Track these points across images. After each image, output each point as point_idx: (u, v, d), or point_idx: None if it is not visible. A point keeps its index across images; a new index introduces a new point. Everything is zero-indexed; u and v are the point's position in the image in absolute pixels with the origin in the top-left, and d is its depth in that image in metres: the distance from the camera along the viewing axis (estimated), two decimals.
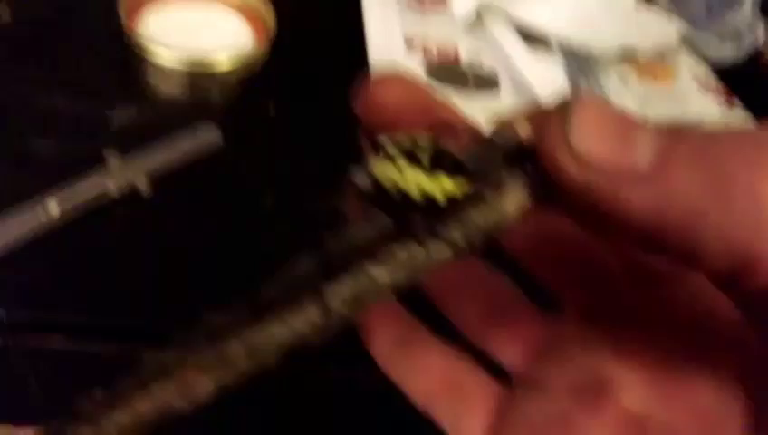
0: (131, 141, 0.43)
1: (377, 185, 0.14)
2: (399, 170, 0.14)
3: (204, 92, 0.50)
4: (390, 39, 0.58)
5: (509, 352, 0.23)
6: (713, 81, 0.63)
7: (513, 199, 0.14)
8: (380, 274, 0.14)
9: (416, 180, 0.14)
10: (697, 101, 0.60)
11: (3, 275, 0.35)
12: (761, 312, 0.14)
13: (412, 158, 0.14)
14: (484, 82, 0.57)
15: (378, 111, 0.20)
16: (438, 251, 0.14)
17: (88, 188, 0.39)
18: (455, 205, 0.14)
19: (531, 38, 0.60)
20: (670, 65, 0.63)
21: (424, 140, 0.14)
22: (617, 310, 0.21)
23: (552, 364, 0.22)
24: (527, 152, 0.14)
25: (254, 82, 0.52)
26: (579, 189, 0.14)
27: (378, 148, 0.14)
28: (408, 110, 0.19)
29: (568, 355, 0.22)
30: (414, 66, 0.57)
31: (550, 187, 0.14)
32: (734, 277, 0.14)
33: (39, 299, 0.35)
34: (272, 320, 0.15)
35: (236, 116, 0.49)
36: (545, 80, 0.57)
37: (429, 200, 0.14)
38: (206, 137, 0.45)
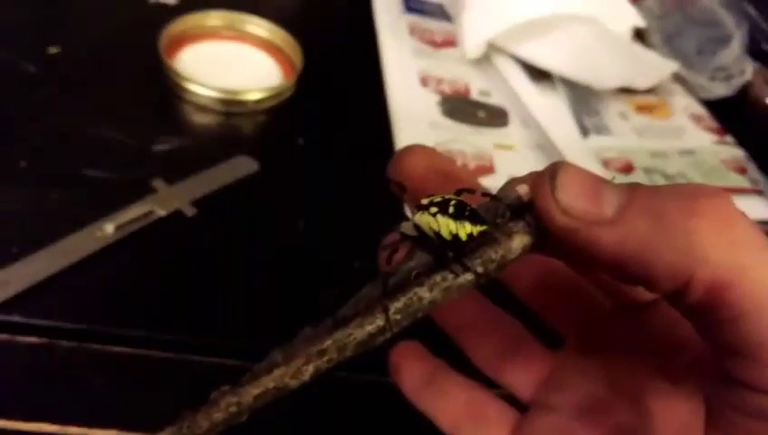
0: (174, 171, 0.47)
1: (419, 231, 0.20)
2: (435, 218, 0.19)
3: (237, 125, 0.54)
4: (406, 75, 0.62)
5: (522, 383, 0.28)
6: (706, 117, 0.67)
7: (517, 241, 0.20)
8: (425, 293, 0.20)
9: (446, 224, 0.19)
10: (692, 135, 0.64)
11: (68, 287, 0.38)
12: (698, 320, 0.18)
13: (444, 210, 0.19)
14: (494, 117, 0.61)
15: (407, 178, 0.25)
16: (465, 277, 0.20)
17: (139, 212, 0.43)
18: (474, 242, 0.19)
19: (536, 74, 0.65)
20: (666, 101, 0.67)
21: (451, 198, 0.20)
22: (606, 339, 0.25)
23: (558, 390, 0.27)
24: (527, 206, 0.20)
25: (283, 114, 0.56)
26: (564, 233, 0.18)
27: (420, 206, 0.20)
28: (431, 177, 0.25)
29: (570, 382, 0.27)
30: (428, 100, 0.61)
31: (543, 231, 0.19)
32: (678, 295, 0.18)
33: (99, 310, 0.38)
34: (353, 325, 0.20)
35: (268, 147, 0.52)
36: (550, 114, 0.61)
37: (455, 237, 0.19)
38: (243, 166, 0.49)
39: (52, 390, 0.34)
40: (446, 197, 0.20)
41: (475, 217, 0.19)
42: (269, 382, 0.19)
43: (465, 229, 0.19)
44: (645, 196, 0.18)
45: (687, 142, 0.63)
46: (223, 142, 0.52)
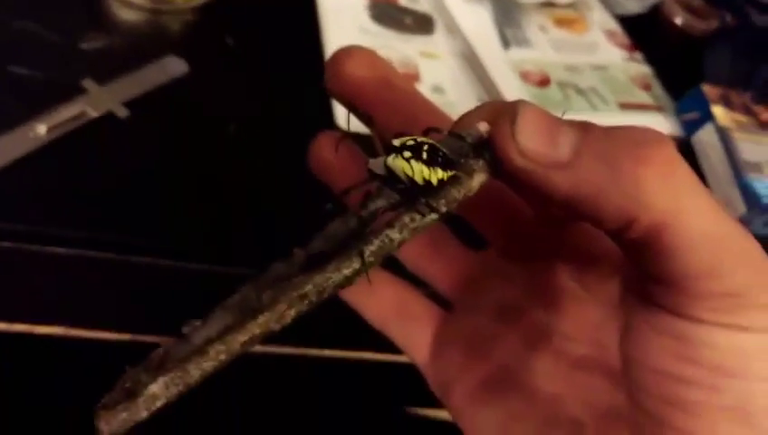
0: (103, 70, 0.47)
1: (391, 173, 0.21)
2: (409, 164, 0.20)
3: (165, 23, 0.54)
4: None
5: (445, 281, 0.30)
6: (620, 33, 0.70)
7: (477, 179, 0.21)
8: (395, 235, 0.20)
9: (420, 170, 0.20)
10: (605, 50, 0.68)
11: (3, 189, 0.39)
12: (636, 253, 0.20)
13: (417, 155, 0.20)
14: (421, 24, 0.63)
15: (347, 83, 0.25)
16: (431, 217, 0.20)
17: (71, 113, 0.43)
18: (443, 185, 0.20)
19: None
20: (583, 16, 0.70)
21: (424, 141, 0.21)
22: (527, 244, 0.27)
23: (478, 291, 0.29)
24: (486, 144, 0.21)
25: (211, 13, 0.55)
26: (520, 173, 0.20)
27: (392, 148, 0.21)
28: (372, 83, 0.25)
29: (490, 283, 0.28)
30: (357, 3, 0.61)
31: (500, 168, 0.20)
32: (619, 232, 0.19)
33: (38, 211, 0.39)
34: (330, 268, 0.20)
35: (198, 46, 0.53)
36: (474, 23, 0.63)
37: (427, 183, 0.20)
38: (173, 66, 0.50)
39: None
40: (418, 140, 0.21)
41: (447, 163, 0.20)
42: (255, 329, 0.20)
43: (437, 175, 0.20)
44: (597, 139, 0.19)
45: (600, 58, 0.67)
46: (151, 41, 0.52)
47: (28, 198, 0.39)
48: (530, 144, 0.19)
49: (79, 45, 0.48)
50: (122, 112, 0.45)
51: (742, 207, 0.57)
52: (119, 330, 0.39)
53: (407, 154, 0.20)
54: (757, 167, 0.59)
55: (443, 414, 0.29)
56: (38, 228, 0.38)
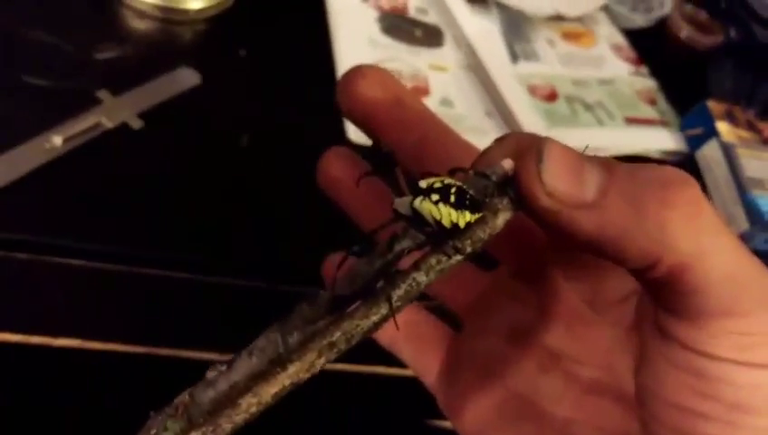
0: (117, 81, 0.47)
1: (417, 214, 0.21)
2: (437, 207, 0.20)
3: (178, 34, 0.54)
4: None
5: (456, 302, 0.30)
6: (626, 47, 0.71)
7: (502, 217, 0.21)
8: (422, 278, 0.20)
9: (448, 213, 0.20)
10: (612, 64, 0.68)
11: (20, 200, 0.39)
12: (656, 290, 0.21)
13: (445, 198, 0.20)
14: (430, 36, 0.63)
15: (359, 103, 0.25)
16: (457, 258, 0.20)
17: (86, 124, 0.44)
18: (469, 227, 0.20)
19: None
20: (591, 30, 0.71)
21: (451, 183, 0.20)
22: (538, 265, 0.27)
23: (490, 312, 0.28)
24: (510, 181, 0.21)
25: (224, 24, 0.56)
26: (546, 212, 0.20)
27: (420, 191, 0.20)
28: (384, 104, 0.25)
29: (501, 304, 0.28)
30: (367, 16, 0.62)
31: (524, 205, 0.20)
32: (644, 271, 0.20)
33: (55, 223, 0.39)
34: (358, 315, 0.20)
35: (211, 58, 0.53)
36: (483, 37, 0.64)
37: (455, 226, 0.20)
38: (186, 78, 0.50)
39: (12, 301, 0.36)
40: (445, 182, 0.20)
41: (473, 206, 0.20)
42: (285, 380, 0.20)
43: (465, 218, 0.20)
44: (622, 179, 0.19)
45: (607, 72, 0.67)
46: (164, 52, 0.52)
47: (44, 210, 0.39)
48: (557, 184, 0.19)
49: (93, 56, 0.48)
50: (137, 124, 0.45)
51: (744, 223, 0.57)
52: (134, 342, 0.39)
53: (434, 197, 0.20)
54: (760, 183, 0.60)
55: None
56: (54, 240, 0.38)
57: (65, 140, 0.42)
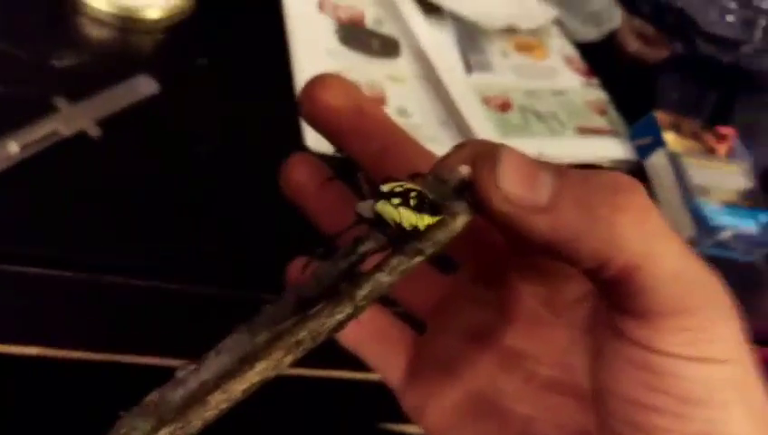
0: (74, 89, 0.47)
1: (379, 217, 0.22)
2: (398, 211, 0.21)
3: (136, 42, 0.54)
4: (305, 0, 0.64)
5: (417, 304, 0.31)
6: (577, 59, 0.73)
7: (461, 220, 0.22)
8: (384, 278, 0.21)
9: (408, 217, 0.21)
10: (564, 75, 0.70)
11: None
12: (608, 290, 0.21)
13: (405, 202, 0.21)
14: (387, 47, 0.64)
15: (323, 112, 0.26)
16: (418, 260, 0.21)
17: (43, 132, 0.43)
18: (429, 229, 0.21)
19: (427, 7, 0.68)
20: (543, 42, 0.73)
21: (411, 188, 0.21)
22: (497, 268, 0.28)
23: (450, 314, 0.29)
24: (467, 186, 0.22)
25: (183, 33, 0.56)
26: (502, 216, 0.21)
27: (380, 194, 0.21)
28: (346, 113, 0.26)
29: (461, 306, 0.29)
30: (326, 26, 0.63)
31: (482, 210, 0.21)
32: (596, 272, 0.21)
33: (10, 231, 0.39)
34: (324, 314, 0.21)
35: (169, 66, 0.53)
36: (439, 47, 0.65)
37: (415, 228, 0.21)
38: (144, 86, 0.50)
39: None
40: (405, 186, 0.21)
41: (433, 209, 0.21)
42: (253, 377, 0.20)
43: (425, 221, 0.21)
44: (575, 184, 0.20)
45: (559, 83, 0.69)
46: (122, 60, 0.52)
47: (2, 217, 0.39)
48: (512, 189, 0.20)
49: (50, 63, 0.48)
50: (94, 131, 0.45)
51: (690, 229, 0.60)
52: (93, 350, 0.39)
53: (395, 201, 0.21)
54: (705, 190, 0.62)
55: (415, 429, 0.30)
56: (10, 247, 0.38)
57: (22, 148, 0.42)
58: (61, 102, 0.46)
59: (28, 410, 0.40)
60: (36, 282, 0.38)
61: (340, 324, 0.21)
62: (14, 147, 0.42)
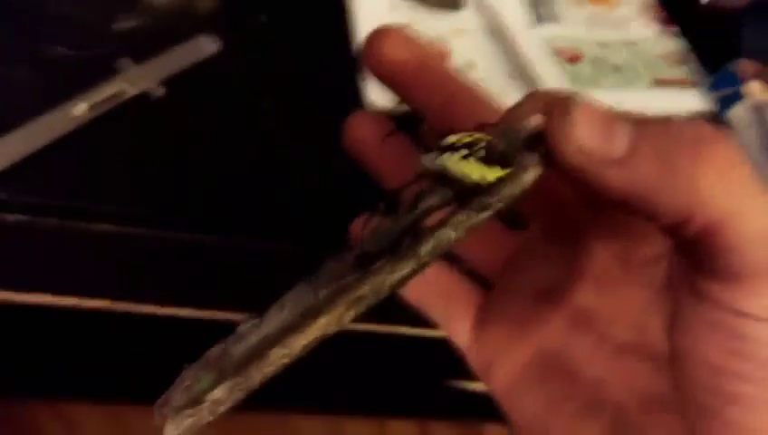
0: (137, 50, 0.47)
1: (444, 170, 0.20)
2: (466, 162, 0.20)
3: (197, 1, 0.54)
4: None
5: (485, 261, 0.29)
6: (654, 8, 0.69)
7: (531, 174, 0.20)
8: (450, 233, 0.20)
9: (477, 169, 0.20)
10: (638, 25, 0.67)
11: (48, 166, 0.40)
12: (690, 249, 0.20)
13: (472, 153, 0.20)
14: (451, 0, 0.62)
15: (384, 66, 0.25)
16: (484, 216, 0.20)
17: (110, 92, 0.44)
18: (498, 182, 0.20)
19: None
20: None
21: (480, 138, 0.20)
22: (568, 225, 0.26)
23: (519, 272, 0.28)
24: (539, 137, 0.20)
25: None
26: (576, 169, 0.20)
27: (446, 147, 0.20)
28: (409, 67, 0.25)
29: (531, 264, 0.28)
30: None
31: (553, 161, 0.20)
32: (674, 229, 0.19)
33: (82, 188, 0.40)
34: (385, 270, 0.20)
35: (230, 25, 0.53)
36: (506, 1, 0.63)
37: (482, 182, 0.20)
38: (206, 45, 0.50)
39: (43, 263, 0.37)
40: (474, 136, 0.20)
41: (502, 161, 0.20)
42: (315, 331, 0.20)
43: (493, 174, 0.20)
44: (654, 135, 0.19)
45: (632, 33, 0.66)
46: (184, 20, 0.52)
47: (73, 175, 0.40)
48: (586, 140, 0.19)
49: (113, 25, 0.49)
50: (159, 91, 0.46)
51: None
52: (160, 304, 0.40)
53: (462, 153, 0.20)
54: None
55: (481, 387, 0.30)
56: (82, 204, 0.39)
57: (90, 108, 0.42)
58: (125, 63, 0.46)
59: (97, 361, 0.41)
60: (107, 237, 0.39)
61: (403, 281, 0.20)
62: (81, 107, 0.42)
